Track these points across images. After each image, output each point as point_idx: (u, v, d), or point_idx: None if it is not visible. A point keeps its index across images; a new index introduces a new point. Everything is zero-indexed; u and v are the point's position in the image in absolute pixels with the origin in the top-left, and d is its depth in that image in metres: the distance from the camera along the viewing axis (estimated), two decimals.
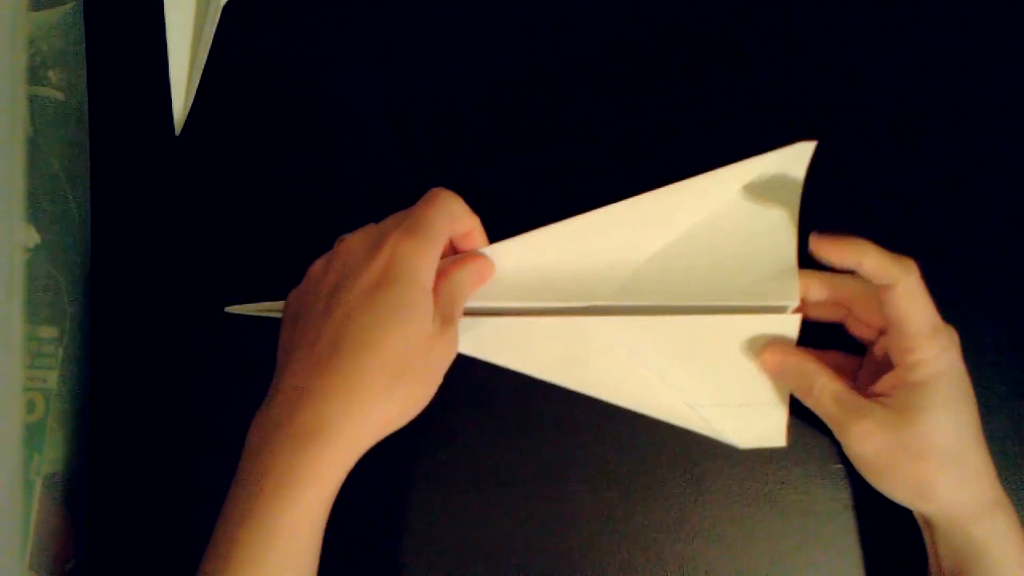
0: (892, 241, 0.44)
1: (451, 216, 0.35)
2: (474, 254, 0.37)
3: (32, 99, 0.41)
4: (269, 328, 0.41)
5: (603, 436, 0.41)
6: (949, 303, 0.44)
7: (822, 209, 0.44)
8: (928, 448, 0.35)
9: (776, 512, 0.41)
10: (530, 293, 0.39)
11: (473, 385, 0.38)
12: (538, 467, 0.41)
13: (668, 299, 0.39)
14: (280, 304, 0.38)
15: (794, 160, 0.39)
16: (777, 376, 0.39)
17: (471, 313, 0.38)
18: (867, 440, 0.36)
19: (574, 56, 0.44)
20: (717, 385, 0.40)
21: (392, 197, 0.43)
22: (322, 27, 0.44)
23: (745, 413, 0.40)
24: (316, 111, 0.43)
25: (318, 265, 0.35)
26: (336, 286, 0.33)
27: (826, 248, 0.36)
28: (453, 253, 0.38)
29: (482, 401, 0.41)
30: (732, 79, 0.44)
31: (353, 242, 0.34)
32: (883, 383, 0.37)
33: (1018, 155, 0.45)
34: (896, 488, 0.37)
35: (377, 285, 0.32)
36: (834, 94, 0.45)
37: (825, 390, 0.38)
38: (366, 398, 0.32)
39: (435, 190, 0.35)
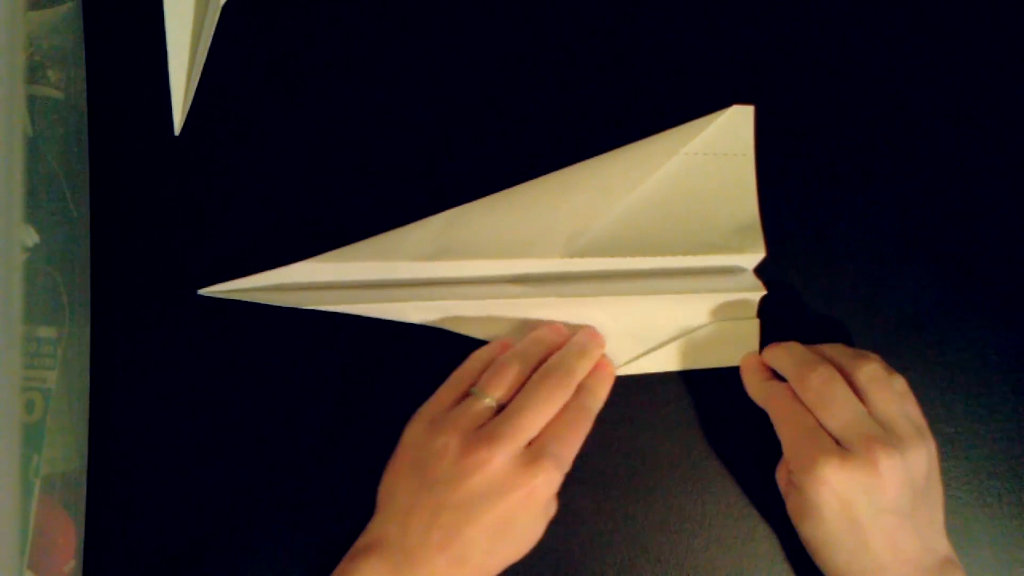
0: (893, 241, 0.44)
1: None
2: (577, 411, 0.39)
3: (31, 98, 0.40)
4: (270, 331, 0.41)
5: (603, 436, 0.41)
6: (950, 303, 0.44)
7: (827, 216, 0.44)
8: (809, 541, 0.38)
9: (777, 513, 0.41)
10: (497, 250, 0.40)
11: None
12: None
13: (638, 253, 0.41)
14: (253, 282, 0.40)
15: (740, 121, 0.43)
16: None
17: (449, 283, 0.41)
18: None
19: (575, 56, 0.44)
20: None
21: (392, 197, 0.43)
22: (322, 27, 0.44)
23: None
24: (315, 111, 0.43)
25: (453, 438, 0.35)
26: (480, 493, 0.34)
27: None
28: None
29: None
30: (731, 79, 0.44)
31: (502, 449, 0.35)
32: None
33: (1018, 155, 0.45)
34: None
35: (520, 507, 0.35)
36: (836, 94, 0.45)
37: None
38: None
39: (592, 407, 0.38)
